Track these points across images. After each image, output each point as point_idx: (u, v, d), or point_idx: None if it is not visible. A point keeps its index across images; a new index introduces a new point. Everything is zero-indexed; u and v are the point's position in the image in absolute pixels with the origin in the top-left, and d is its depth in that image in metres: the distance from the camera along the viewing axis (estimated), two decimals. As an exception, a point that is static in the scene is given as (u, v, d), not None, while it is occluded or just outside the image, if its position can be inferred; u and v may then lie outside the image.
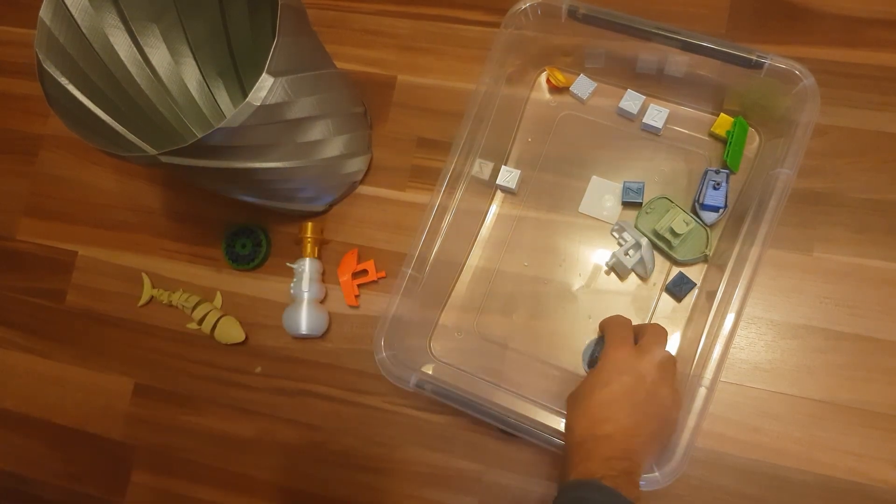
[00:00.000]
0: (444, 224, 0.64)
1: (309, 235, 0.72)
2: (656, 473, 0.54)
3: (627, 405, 0.52)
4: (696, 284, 0.65)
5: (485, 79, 0.64)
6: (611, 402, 0.53)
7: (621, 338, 0.56)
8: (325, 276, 0.74)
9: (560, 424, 0.63)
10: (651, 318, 0.66)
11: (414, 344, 0.68)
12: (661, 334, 0.56)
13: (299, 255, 0.72)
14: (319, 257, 0.73)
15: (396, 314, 0.62)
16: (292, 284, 0.72)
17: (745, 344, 0.65)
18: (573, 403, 0.55)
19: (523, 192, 0.72)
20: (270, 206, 0.70)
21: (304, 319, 0.70)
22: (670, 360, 0.55)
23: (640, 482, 0.54)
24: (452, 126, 0.64)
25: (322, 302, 0.73)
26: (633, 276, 0.67)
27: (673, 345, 0.65)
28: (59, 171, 0.84)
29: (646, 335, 0.56)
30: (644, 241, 0.65)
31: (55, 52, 0.56)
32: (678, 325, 0.65)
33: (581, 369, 0.66)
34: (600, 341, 0.60)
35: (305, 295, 0.70)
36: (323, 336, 0.72)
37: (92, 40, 0.60)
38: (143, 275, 0.78)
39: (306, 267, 0.71)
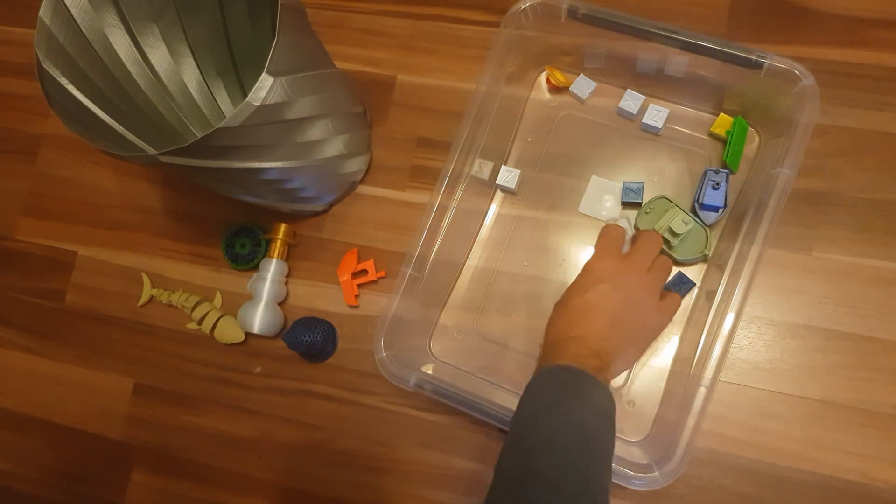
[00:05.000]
0: (444, 224, 0.64)
1: (280, 237, 0.73)
2: (656, 473, 0.54)
3: (601, 311, 0.55)
4: (695, 284, 0.65)
5: (484, 78, 0.64)
6: (585, 308, 0.55)
7: (605, 248, 0.59)
8: (325, 276, 0.74)
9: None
10: (651, 318, 0.66)
11: (414, 344, 0.68)
12: (651, 242, 0.59)
13: (269, 255, 0.73)
14: (286, 260, 0.74)
15: (396, 314, 0.62)
16: (250, 283, 0.73)
17: (745, 344, 0.65)
18: (554, 310, 0.59)
19: (523, 191, 0.72)
20: (270, 205, 0.70)
21: (259, 319, 0.70)
22: (658, 268, 0.57)
23: (640, 482, 0.54)
24: (452, 126, 0.64)
25: (281, 304, 0.73)
26: (632, 276, 0.67)
27: (672, 345, 0.65)
28: (59, 171, 0.84)
29: (636, 244, 0.59)
30: (624, 220, 0.66)
31: (55, 52, 0.56)
32: (678, 325, 0.65)
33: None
34: None
35: (265, 295, 0.71)
36: (274, 337, 0.73)
37: (91, 40, 0.60)
38: (143, 274, 0.78)
39: (272, 268, 0.72)
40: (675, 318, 0.65)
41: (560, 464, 0.45)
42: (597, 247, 0.61)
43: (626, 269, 0.57)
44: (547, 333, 0.58)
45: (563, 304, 0.58)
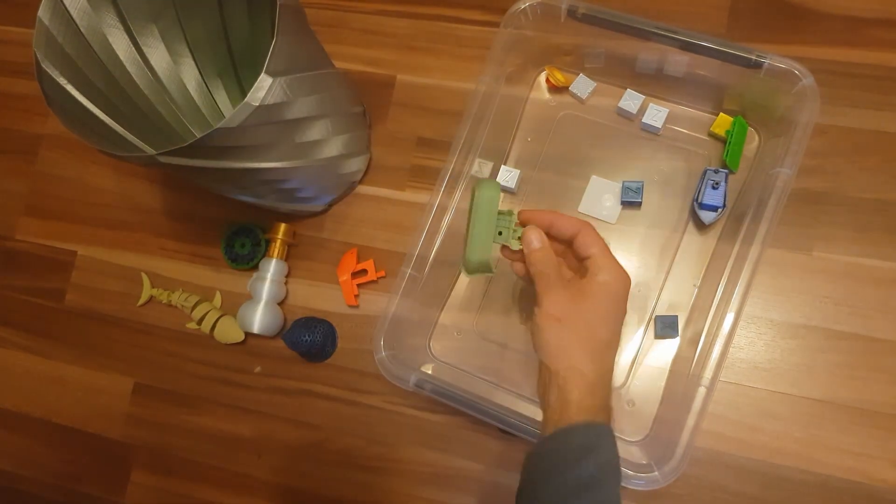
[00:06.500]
0: (444, 223, 0.64)
1: (280, 237, 0.73)
2: (656, 473, 0.54)
3: (583, 347, 0.49)
4: (695, 284, 0.65)
5: (484, 78, 0.64)
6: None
7: (548, 284, 0.50)
8: (325, 276, 0.74)
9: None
10: (651, 317, 0.66)
11: (413, 343, 0.68)
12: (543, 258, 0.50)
13: (268, 254, 0.73)
14: (286, 260, 0.74)
15: (396, 314, 0.62)
16: (250, 283, 0.73)
17: (745, 343, 0.65)
18: (539, 361, 0.51)
19: (523, 191, 0.72)
20: (270, 205, 0.70)
21: (258, 318, 0.70)
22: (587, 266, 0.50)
23: (640, 482, 0.54)
24: (452, 126, 0.64)
25: (281, 304, 0.73)
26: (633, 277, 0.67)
27: (672, 345, 0.65)
28: (59, 171, 0.84)
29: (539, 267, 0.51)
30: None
31: (54, 52, 0.56)
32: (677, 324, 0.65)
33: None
34: None
35: (265, 295, 0.71)
36: (274, 337, 0.73)
37: (91, 40, 0.60)
38: (143, 274, 0.78)
39: (272, 267, 0.72)
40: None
41: None
42: (538, 283, 0.51)
43: (574, 296, 0.50)
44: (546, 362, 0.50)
45: (543, 367, 0.51)
